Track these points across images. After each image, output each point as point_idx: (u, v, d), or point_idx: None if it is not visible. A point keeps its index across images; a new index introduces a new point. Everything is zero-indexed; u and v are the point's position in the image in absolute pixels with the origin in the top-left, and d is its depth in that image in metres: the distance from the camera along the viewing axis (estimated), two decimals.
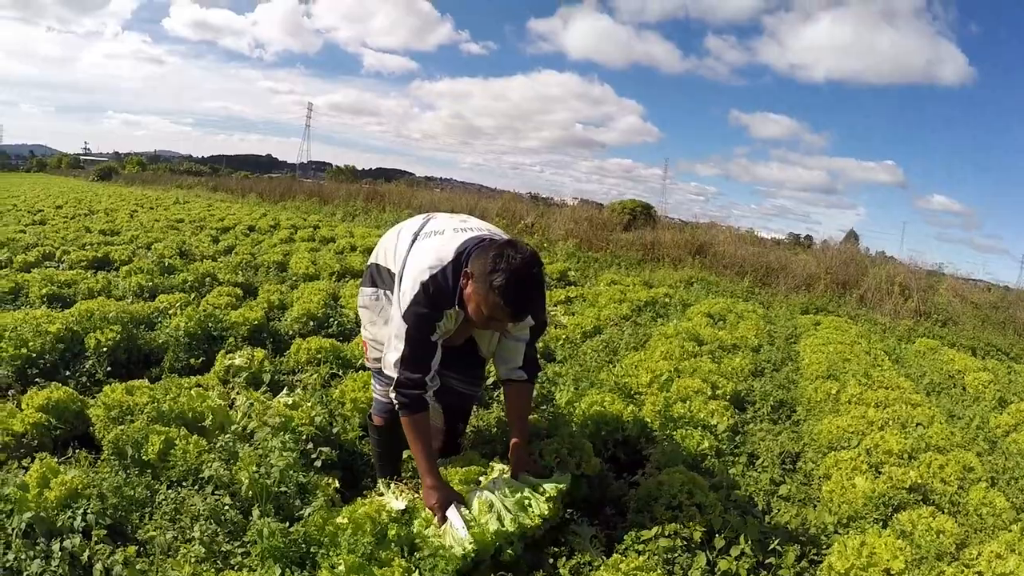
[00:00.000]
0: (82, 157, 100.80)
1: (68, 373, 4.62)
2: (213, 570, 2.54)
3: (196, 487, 3.01)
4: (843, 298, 12.54)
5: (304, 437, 3.40)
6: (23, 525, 2.61)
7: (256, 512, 2.82)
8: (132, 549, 2.58)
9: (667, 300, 9.52)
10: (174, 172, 58.71)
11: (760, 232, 19.67)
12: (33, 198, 24.73)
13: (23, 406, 3.69)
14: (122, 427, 3.31)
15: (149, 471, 3.12)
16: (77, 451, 3.36)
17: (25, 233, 12.27)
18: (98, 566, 2.50)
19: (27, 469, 3.06)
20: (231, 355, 4.70)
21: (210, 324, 5.36)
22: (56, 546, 2.52)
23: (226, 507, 2.82)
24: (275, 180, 41.34)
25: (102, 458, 3.27)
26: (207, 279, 7.64)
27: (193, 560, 2.55)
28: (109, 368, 4.71)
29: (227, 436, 3.38)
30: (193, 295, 6.73)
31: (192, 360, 5.02)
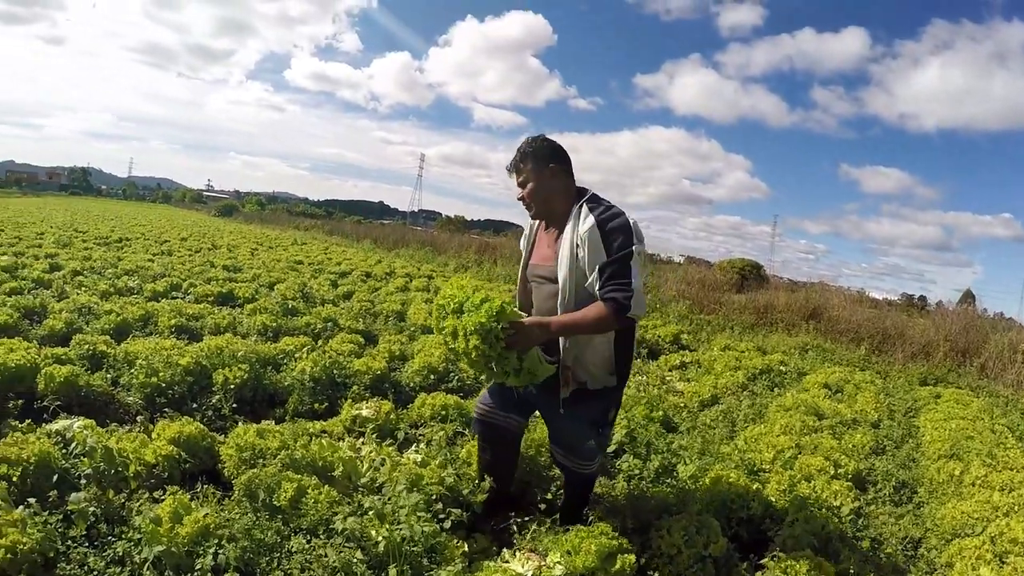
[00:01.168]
0: (205, 193, 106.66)
1: (195, 405, 4.79)
2: None
3: (327, 537, 3.02)
4: (963, 367, 11.69)
5: (434, 496, 3.37)
6: (151, 557, 2.66)
7: (393, 571, 2.80)
8: None
9: (782, 368, 9.19)
10: (291, 213, 61.23)
11: (871, 292, 18.91)
12: (159, 228, 26.19)
13: (154, 436, 3.80)
14: (254, 470, 3.36)
15: (280, 517, 3.15)
16: (205, 486, 3.41)
17: (153, 262, 12.97)
18: None
19: (157, 500, 3.14)
20: (358, 405, 4.74)
21: (334, 371, 5.44)
22: None
23: (356, 561, 2.80)
24: (388, 227, 42.59)
25: (232, 498, 3.32)
26: (328, 324, 7.80)
27: None
28: (235, 405, 4.85)
29: (357, 489, 3.41)
30: (318, 341, 6.86)
31: (316, 405, 5.10)
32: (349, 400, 4.97)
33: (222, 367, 5.08)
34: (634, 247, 3.01)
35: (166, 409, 4.57)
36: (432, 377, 6.02)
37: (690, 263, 21.91)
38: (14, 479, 3.20)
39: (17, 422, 4.03)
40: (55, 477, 3.32)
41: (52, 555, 2.77)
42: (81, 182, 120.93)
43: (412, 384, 5.85)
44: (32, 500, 3.00)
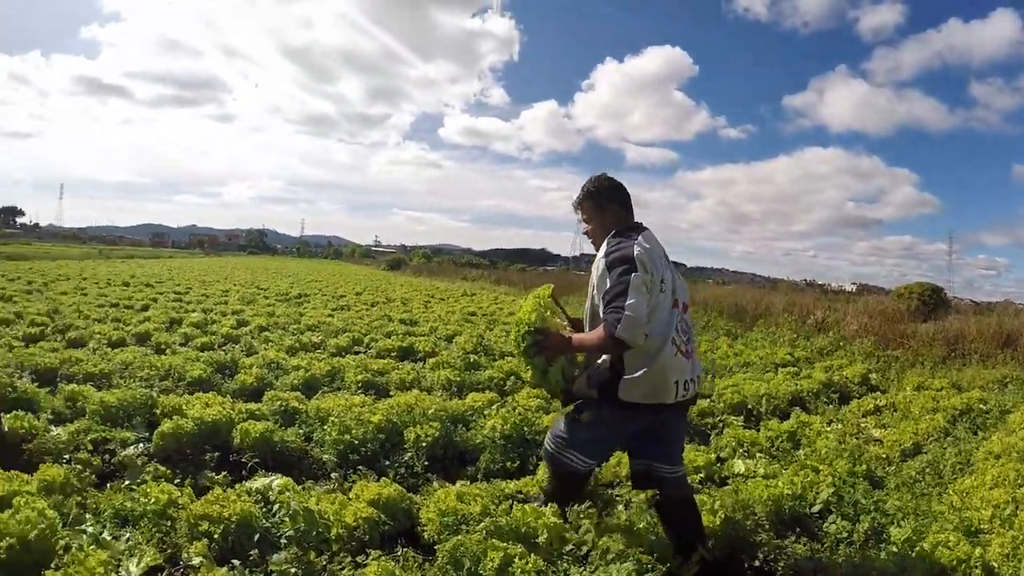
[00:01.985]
0: (373, 248, 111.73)
1: (387, 463, 4.83)
2: None
3: None
4: None
5: (646, 567, 3.24)
6: None
7: None
8: None
9: (983, 407, 8.29)
10: (456, 264, 63.01)
11: None
12: (335, 283, 27.49)
13: (352, 497, 3.86)
14: (459, 538, 3.31)
15: None
16: (404, 550, 3.42)
17: (332, 317, 13.51)
18: None
19: (359, 564, 3.19)
20: None
21: (524, 427, 5.33)
22: None
23: None
24: (554, 274, 42.73)
25: (435, 564, 3.28)
26: (510, 377, 7.76)
27: None
28: (426, 462, 4.83)
29: (562, 556, 3.34)
30: (504, 395, 6.85)
31: (508, 463, 5.01)
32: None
33: (413, 425, 5.13)
34: (632, 276, 3.27)
35: (360, 467, 4.62)
36: None
37: (864, 291, 20.62)
38: (215, 536, 3.31)
39: (214, 474, 4.26)
40: (256, 536, 3.39)
41: None
42: (257, 242, 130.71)
43: None
44: (235, 561, 3.10)
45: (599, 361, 3.52)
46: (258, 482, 4.00)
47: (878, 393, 9.40)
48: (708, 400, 7.50)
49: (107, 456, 4.54)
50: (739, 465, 5.31)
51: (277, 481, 3.98)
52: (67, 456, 4.40)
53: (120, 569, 2.93)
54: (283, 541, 3.38)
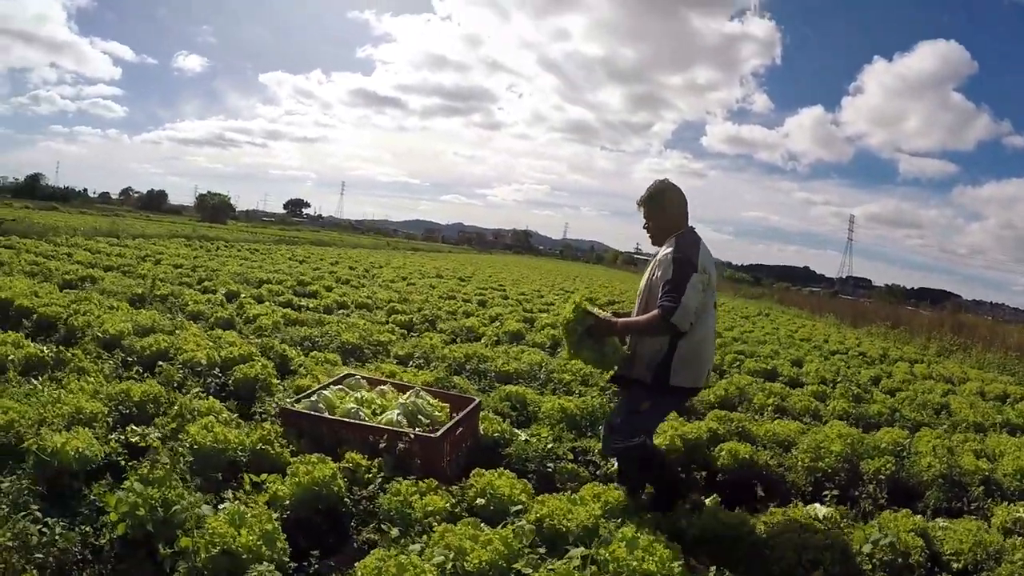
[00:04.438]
0: (634, 255, 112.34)
1: (855, 493, 5.20)
2: None
3: None
4: None
5: None
6: None
7: None
8: None
9: None
10: (730, 280, 62.46)
11: None
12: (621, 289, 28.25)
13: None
14: None
15: None
16: None
17: None
18: None
19: None
20: (1015, 506, 4.86)
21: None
22: None
23: None
24: (849, 302, 41.35)
25: None
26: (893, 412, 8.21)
27: None
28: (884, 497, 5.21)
29: None
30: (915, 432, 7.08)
31: (953, 502, 5.30)
32: (1003, 503, 5.12)
33: (867, 457, 5.63)
34: (693, 275, 3.92)
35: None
36: None
37: None
38: None
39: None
40: None
41: None
42: (523, 242, 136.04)
43: None
44: None
45: (657, 348, 4.09)
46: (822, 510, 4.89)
47: None
48: None
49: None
50: None
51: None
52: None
53: None
54: None
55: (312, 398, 5.02)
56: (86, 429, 3.99)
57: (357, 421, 4.73)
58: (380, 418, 4.87)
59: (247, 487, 3.74)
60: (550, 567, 3.17)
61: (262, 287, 13.35)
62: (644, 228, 4.48)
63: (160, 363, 5.95)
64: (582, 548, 3.30)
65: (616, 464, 4.68)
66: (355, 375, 5.82)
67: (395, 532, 3.51)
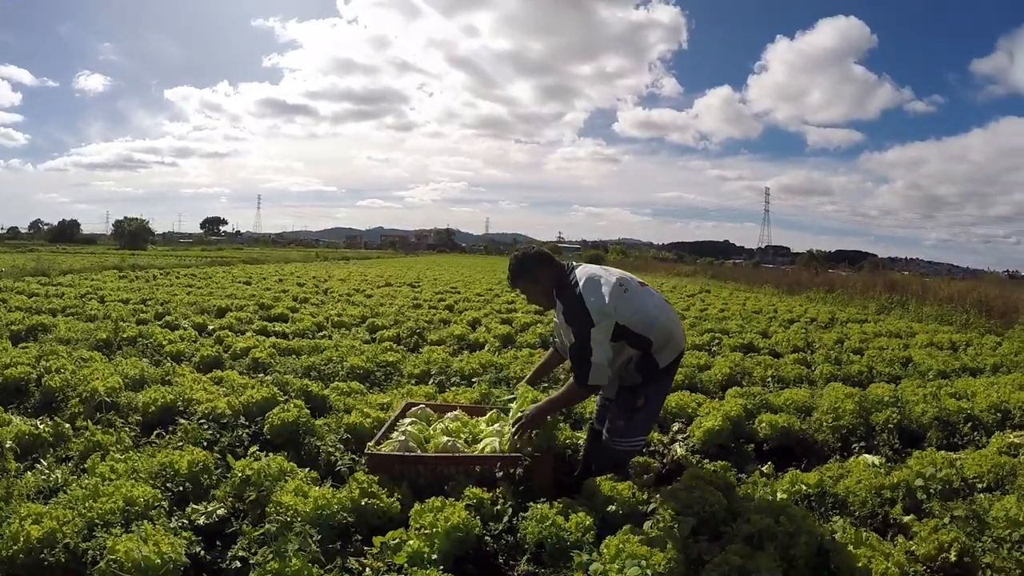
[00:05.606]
0: (558, 244, 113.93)
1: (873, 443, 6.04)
2: None
3: None
4: None
5: None
6: None
7: None
8: None
9: None
10: (650, 259, 63.83)
11: None
12: None
13: None
14: None
15: None
16: None
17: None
18: None
19: None
20: None
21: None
22: None
23: None
24: (784, 272, 42.90)
25: None
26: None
27: None
28: (896, 442, 6.07)
29: None
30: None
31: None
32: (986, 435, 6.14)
33: (875, 411, 6.42)
34: (591, 331, 4.01)
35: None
36: None
37: None
38: None
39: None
40: None
41: None
42: (446, 241, 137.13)
43: None
44: None
45: (627, 359, 4.28)
46: None
47: None
48: None
49: None
50: None
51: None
52: None
53: None
54: None
55: (400, 437, 4.61)
56: (148, 524, 3.41)
57: (466, 454, 4.49)
58: (479, 446, 4.63)
59: (375, 550, 3.55)
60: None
61: (226, 316, 12.76)
62: (529, 303, 4.79)
63: (179, 419, 5.38)
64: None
65: (600, 461, 4.67)
66: (419, 404, 5.47)
67: (584, 557, 3.37)
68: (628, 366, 4.33)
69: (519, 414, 4.44)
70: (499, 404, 5.60)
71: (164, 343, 8.97)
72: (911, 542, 3.80)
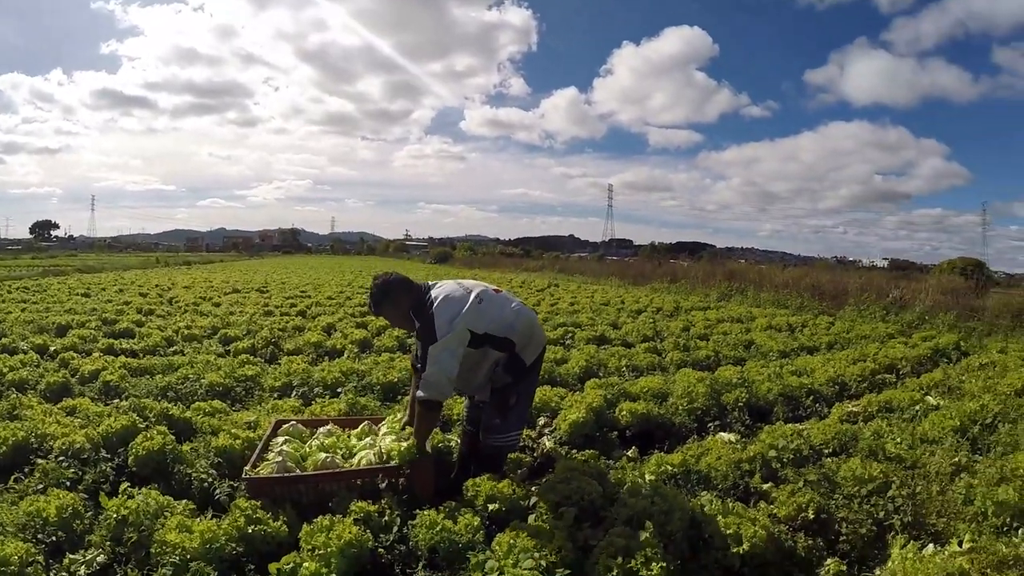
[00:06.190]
0: (405, 242, 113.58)
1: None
2: None
3: None
4: None
5: None
6: None
7: None
8: None
9: None
10: (499, 255, 64.43)
11: None
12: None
13: None
14: None
15: None
16: None
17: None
18: None
19: None
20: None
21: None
22: None
23: None
24: (629, 264, 44.18)
25: None
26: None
27: None
28: (747, 419, 6.57)
29: None
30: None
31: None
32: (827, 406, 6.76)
33: (725, 392, 6.91)
34: (430, 348, 4.13)
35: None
36: None
37: (897, 267, 22.16)
38: None
39: None
40: None
41: None
42: (291, 241, 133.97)
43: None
44: None
45: (493, 363, 4.46)
46: None
47: (972, 356, 10.72)
48: (864, 362, 9.21)
49: None
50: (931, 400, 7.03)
51: None
52: None
53: None
54: None
55: (277, 459, 4.39)
56: None
57: (347, 469, 4.45)
58: (355, 460, 4.58)
59: None
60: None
61: (68, 334, 11.07)
62: (393, 327, 4.86)
63: (34, 459, 4.78)
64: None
65: (480, 461, 4.76)
66: (290, 420, 5.28)
67: (479, 557, 3.45)
68: (497, 369, 4.47)
69: (396, 427, 4.69)
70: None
71: (4, 370, 7.76)
72: (772, 507, 4.15)
